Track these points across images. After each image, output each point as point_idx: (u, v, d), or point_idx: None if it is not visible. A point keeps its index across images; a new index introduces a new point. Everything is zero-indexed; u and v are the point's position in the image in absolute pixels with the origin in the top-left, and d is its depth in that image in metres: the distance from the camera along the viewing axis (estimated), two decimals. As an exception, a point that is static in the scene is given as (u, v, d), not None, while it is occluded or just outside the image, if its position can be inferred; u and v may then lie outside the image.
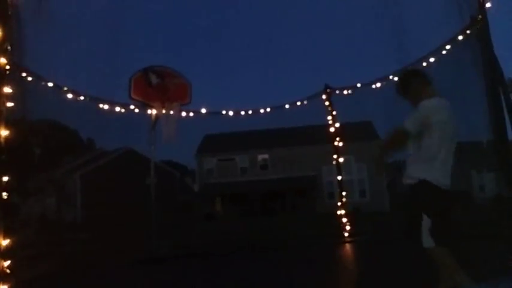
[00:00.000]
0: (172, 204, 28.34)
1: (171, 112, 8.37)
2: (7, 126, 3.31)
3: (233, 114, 8.96)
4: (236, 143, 32.39)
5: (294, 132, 28.42)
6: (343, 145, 9.01)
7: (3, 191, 3.25)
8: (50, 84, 6.20)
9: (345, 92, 8.67)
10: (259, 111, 9.06)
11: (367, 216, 16.18)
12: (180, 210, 27.86)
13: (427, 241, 3.08)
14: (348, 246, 8.17)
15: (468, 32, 6.08)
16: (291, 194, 32.22)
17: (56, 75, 6.43)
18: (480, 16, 5.52)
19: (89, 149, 35.34)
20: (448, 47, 6.70)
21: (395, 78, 7.99)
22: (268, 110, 9.04)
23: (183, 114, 8.69)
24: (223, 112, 8.93)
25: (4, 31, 3.37)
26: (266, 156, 34.56)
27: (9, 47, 3.46)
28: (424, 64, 7.08)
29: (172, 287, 5.71)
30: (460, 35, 6.37)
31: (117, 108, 7.88)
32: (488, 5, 5.43)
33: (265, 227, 16.12)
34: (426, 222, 3.09)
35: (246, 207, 31.06)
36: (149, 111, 8.42)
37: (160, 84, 8.30)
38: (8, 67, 3.50)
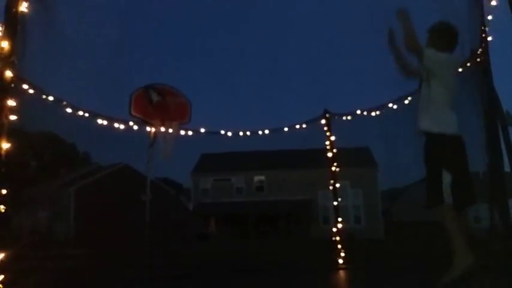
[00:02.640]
0: (166, 222, 28.11)
1: (170, 130, 8.40)
2: (8, 140, 3.32)
3: (231, 135, 8.98)
4: (233, 163, 32.39)
5: (291, 155, 28.48)
6: (339, 170, 9.01)
7: (1, 204, 3.23)
8: (51, 98, 6.22)
9: (344, 118, 8.72)
10: (257, 132, 9.07)
11: (361, 243, 16.08)
12: (173, 228, 27.64)
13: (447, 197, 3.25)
14: (341, 273, 8.10)
15: (468, 64, 6.16)
16: (285, 217, 32.08)
17: (57, 89, 6.46)
18: (481, 49, 5.60)
19: (84, 163, 35.25)
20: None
21: (395, 106, 8.07)
22: (266, 132, 9.05)
23: (182, 132, 8.70)
24: (222, 132, 8.95)
25: (11, 44, 3.41)
26: (262, 177, 34.51)
27: (15, 60, 3.50)
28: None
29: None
30: (460, 67, 6.46)
31: (116, 125, 7.89)
32: (489, 38, 5.52)
33: (259, 249, 15.99)
34: (446, 177, 3.23)
35: (240, 228, 30.85)
36: (148, 129, 8.44)
37: (160, 102, 8.34)
38: (13, 80, 3.54)
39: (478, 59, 5.92)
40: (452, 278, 3.28)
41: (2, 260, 3.16)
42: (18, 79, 3.94)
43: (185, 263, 10.65)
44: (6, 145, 3.31)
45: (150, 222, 8.56)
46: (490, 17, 5.75)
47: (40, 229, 22.83)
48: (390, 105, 8.13)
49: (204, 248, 19.31)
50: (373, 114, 8.43)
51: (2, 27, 3.57)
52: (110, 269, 8.63)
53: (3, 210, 3.24)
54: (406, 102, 7.69)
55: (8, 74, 3.44)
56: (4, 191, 3.29)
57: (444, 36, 3.63)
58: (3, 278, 3.28)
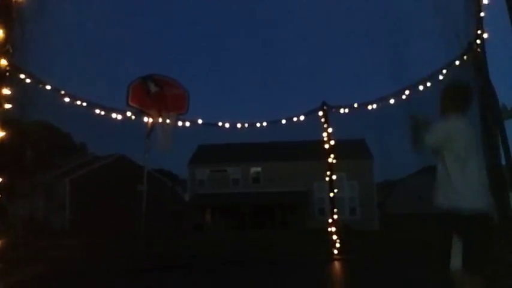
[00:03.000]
0: (163, 213, 28.15)
1: (168, 121, 8.37)
2: (3, 128, 3.29)
3: (229, 127, 8.96)
4: (229, 154, 32.38)
5: (288, 147, 28.49)
6: (335, 162, 9.03)
7: (-4, 192, 3.22)
8: (48, 87, 6.18)
9: (342, 110, 8.72)
10: (255, 124, 9.06)
11: (356, 234, 16.16)
12: (170, 219, 27.66)
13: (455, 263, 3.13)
14: (337, 263, 8.16)
15: (465, 57, 6.17)
16: (281, 209, 32.17)
17: (55, 78, 6.42)
18: (476, 43, 5.60)
19: (80, 153, 35.11)
20: (444, 71, 6.78)
21: (391, 101, 8.07)
22: (264, 124, 9.05)
23: (179, 123, 8.68)
24: (220, 124, 8.93)
25: (6, 33, 3.37)
26: (259, 169, 34.53)
27: (10, 49, 3.47)
28: (421, 88, 7.17)
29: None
30: (456, 60, 6.46)
31: (114, 115, 7.86)
32: (485, 35, 5.51)
33: (255, 240, 16.05)
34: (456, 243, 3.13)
35: (236, 219, 30.93)
36: (145, 119, 8.41)
37: (158, 93, 8.31)
38: (7, 69, 3.50)
39: (474, 53, 5.92)
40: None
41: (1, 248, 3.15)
42: (14, 68, 3.90)
43: (181, 253, 10.67)
44: (0, 133, 3.28)
45: (146, 212, 8.58)
46: (482, 14, 5.75)
47: (36, 219, 22.77)
48: (387, 99, 8.13)
49: (200, 238, 19.37)
50: (369, 107, 8.44)
51: (-4, 16, 3.53)
52: (105, 259, 8.64)
53: (-1, 198, 3.23)
54: (403, 97, 7.70)
55: (3, 62, 3.40)
56: (0, 179, 3.27)
57: (458, 98, 3.54)
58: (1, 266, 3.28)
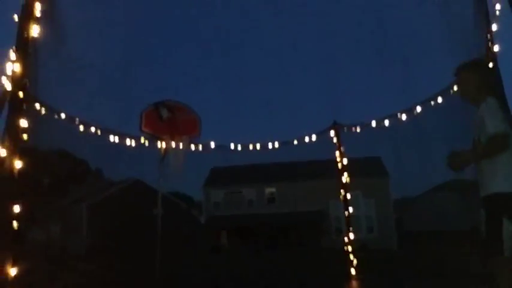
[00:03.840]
0: (178, 236, 28.18)
1: (181, 145, 8.49)
2: (21, 158, 3.41)
3: (241, 149, 9.02)
4: (243, 176, 32.42)
5: (302, 166, 28.43)
6: (351, 180, 9.00)
7: (14, 220, 3.31)
8: (63, 116, 6.34)
9: (353, 129, 8.72)
10: (267, 146, 9.10)
11: (374, 253, 15.97)
12: (185, 242, 27.64)
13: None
14: (354, 283, 8.06)
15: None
16: (297, 229, 31.94)
17: (69, 108, 6.60)
18: (487, 59, 5.59)
19: (96, 178, 35.48)
20: (455, 87, 6.76)
21: (404, 116, 8.06)
22: (276, 145, 9.08)
23: (192, 147, 8.78)
24: (232, 147, 8.99)
25: (23, 67, 3.51)
26: (273, 189, 34.47)
27: (27, 83, 3.61)
28: (432, 103, 7.16)
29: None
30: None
31: (128, 141, 7.99)
32: (496, 48, 5.50)
33: (272, 262, 15.95)
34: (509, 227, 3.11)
35: (252, 241, 30.77)
36: (159, 144, 8.54)
37: (170, 118, 8.44)
38: (24, 101, 3.64)
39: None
40: None
41: (15, 276, 3.23)
42: (30, 99, 4.04)
43: (198, 277, 10.65)
44: (18, 164, 3.39)
45: (162, 236, 8.62)
46: (493, 28, 5.75)
47: (53, 244, 22.97)
48: (398, 115, 8.12)
49: (217, 261, 19.29)
50: (381, 124, 8.42)
51: (14, 51, 3.68)
52: (122, 284, 8.67)
53: (16, 227, 3.32)
54: (415, 112, 7.68)
55: (20, 95, 3.54)
56: (17, 208, 3.37)
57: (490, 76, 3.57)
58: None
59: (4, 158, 3.32)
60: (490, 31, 5.77)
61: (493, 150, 3.23)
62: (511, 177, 3.21)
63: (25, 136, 3.50)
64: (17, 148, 3.40)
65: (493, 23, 5.75)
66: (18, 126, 3.44)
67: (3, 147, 3.36)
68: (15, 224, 3.30)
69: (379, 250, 20.39)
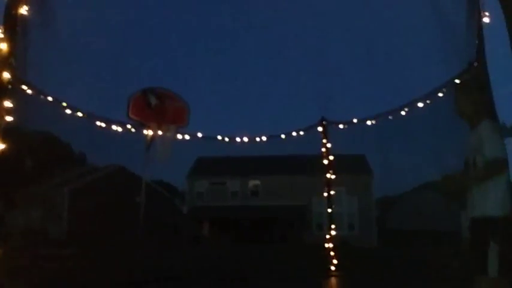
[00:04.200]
0: (160, 225, 28.09)
1: (167, 134, 8.41)
2: (3, 140, 3.33)
3: (228, 141, 9.01)
4: (228, 167, 32.36)
5: (287, 161, 28.46)
6: (335, 177, 9.05)
7: (-5, 204, 3.24)
8: (50, 99, 6.24)
9: (341, 126, 8.77)
10: (254, 139, 9.10)
11: (355, 250, 16.09)
12: (167, 231, 27.55)
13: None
14: (333, 280, 8.12)
15: (465, 76, 6.19)
16: (279, 222, 32.04)
17: (56, 89, 6.48)
18: (477, 62, 5.64)
19: (79, 163, 35.06)
20: (444, 90, 6.83)
21: (390, 117, 8.12)
22: (264, 138, 9.09)
23: (179, 136, 8.72)
24: (219, 138, 8.97)
25: (10, 46, 3.42)
26: (258, 182, 34.52)
27: (13, 62, 3.51)
28: (421, 105, 7.22)
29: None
30: (456, 78, 6.50)
31: (114, 127, 7.90)
32: (485, 51, 5.54)
33: (253, 254, 15.98)
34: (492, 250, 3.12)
35: (234, 232, 30.81)
36: (145, 132, 8.45)
37: (158, 105, 8.36)
38: (10, 82, 3.55)
39: (474, 71, 5.94)
40: None
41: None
42: (16, 80, 3.95)
43: (177, 266, 10.62)
44: (1, 146, 3.31)
45: (144, 224, 8.57)
46: (483, 32, 5.77)
47: (33, 229, 22.66)
48: (386, 115, 8.19)
49: (197, 252, 19.27)
50: (368, 123, 8.48)
51: (1, 29, 3.58)
52: (102, 271, 8.60)
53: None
54: (403, 113, 7.75)
55: (6, 75, 3.45)
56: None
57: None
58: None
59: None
60: (481, 36, 5.82)
61: (491, 175, 3.25)
62: (502, 201, 3.23)
63: (9, 118, 3.43)
64: (0, 129, 3.32)
65: (483, 28, 5.80)
66: (2, 107, 3.35)
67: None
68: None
69: (360, 248, 20.56)
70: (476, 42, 5.46)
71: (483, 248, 3.18)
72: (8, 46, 3.41)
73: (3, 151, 3.28)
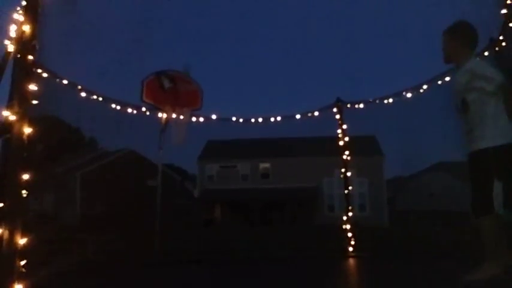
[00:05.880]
0: (172, 208, 28.30)
1: (181, 117, 8.38)
2: (30, 124, 3.30)
3: (243, 122, 8.94)
4: (238, 150, 32.42)
5: (297, 143, 28.45)
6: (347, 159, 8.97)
7: (23, 189, 3.23)
8: (65, 82, 6.19)
9: (357, 106, 8.65)
10: (269, 119, 9.01)
11: (366, 231, 16.09)
12: (179, 214, 27.76)
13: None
14: (351, 261, 8.12)
15: (486, 53, 6.04)
16: (290, 204, 32.17)
17: (72, 73, 6.43)
18: (501, 37, 5.48)
19: (90, 148, 35.26)
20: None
21: (408, 95, 7.98)
22: (278, 118, 8.99)
23: (193, 119, 8.68)
24: (234, 119, 8.90)
25: (33, 28, 3.36)
26: (268, 165, 34.57)
27: (37, 45, 3.46)
28: (440, 82, 7.08)
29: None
30: (477, 56, 6.35)
31: (129, 110, 7.87)
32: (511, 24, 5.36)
33: (265, 236, 16.04)
34: (497, 186, 3.13)
35: (245, 215, 31.00)
36: (159, 115, 8.43)
37: (172, 88, 8.31)
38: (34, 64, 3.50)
39: (497, 48, 5.79)
40: (475, 279, 3.27)
41: (24, 245, 3.16)
42: (37, 63, 3.90)
43: (190, 249, 10.68)
44: (28, 130, 3.28)
45: (157, 208, 8.60)
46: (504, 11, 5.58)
47: (47, 214, 22.92)
48: (404, 93, 8.04)
49: (209, 235, 19.40)
50: (385, 102, 8.34)
51: (22, 10, 3.52)
52: (118, 254, 8.67)
53: (25, 195, 3.23)
54: (421, 91, 7.61)
55: (30, 58, 3.40)
56: (27, 176, 3.28)
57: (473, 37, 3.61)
58: (26, 263, 3.29)
59: (13, 122, 3.20)
60: (508, 5, 5.59)
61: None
62: (502, 130, 3.23)
63: (35, 101, 3.39)
64: (26, 113, 3.29)
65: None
66: (27, 90, 3.31)
67: (12, 112, 3.23)
68: (24, 192, 3.21)
69: (371, 228, 20.58)
70: (503, 13, 5.25)
71: (484, 185, 3.17)
72: (30, 28, 3.35)
73: (32, 136, 3.26)
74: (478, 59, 3.51)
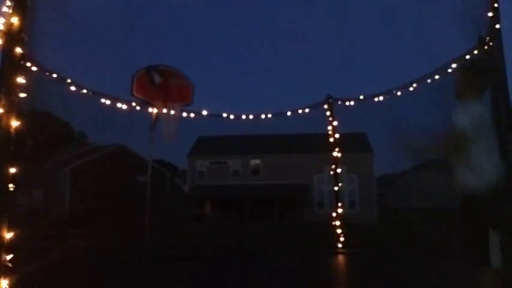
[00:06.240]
0: (162, 204, 28.21)
1: (172, 112, 8.33)
2: (18, 118, 3.26)
3: (234, 118, 8.93)
4: (229, 146, 32.33)
5: (288, 140, 28.47)
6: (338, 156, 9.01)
7: (10, 183, 3.19)
8: (54, 76, 6.13)
9: (347, 103, 8.68)
10: (260, 116, 9.03)
11: (356, 228, 16.17)
12: (169, 210, 27.68)
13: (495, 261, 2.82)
14: (341, 257, 8.17)
15: (475, 52, 6.08)
16: (280, 201, 32.20)
17: (62, 67, 6.37)
18: (488, 38, 5.53)
19: (80, 142, 34.98)
20: (453, 65, 6.72)
21: (398, 93, 8.03)
22: (269, 116, 9.01)
23: (184, 114, 8.64)
24: (224, 115, 8.89)
25: (21, 20, 3.32)
26: (258, 161, 34.55)
27: (25, 37, 3.42)
28: (429, 81, 7.13)
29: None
30: (466, 54, 6.39)
31: (119, 105, 7.81)
32: (497, 26, 5.41)
33: (255, 232, 16.07)
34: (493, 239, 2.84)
35: (235, 211, 30.98)
36: (150, 110, 8.37)
37: (163, 83, 8.24)
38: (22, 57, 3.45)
39: (486, 47, 5.83)
40: None
41: (11, 239, 3.13)
42: (25, 56, 3.85)
43: (180, 245, 10.66)
44: (15, 123, 3.24)
45: (149, 203, 8.55)
46: (496, 5, 5.62)
47: (36, 209, 22.68)
48: (393, 91, 8.09)
49: (199, 231, 19.37)
50: (376, 99, 8.39)
51: (11, 2, 3.47)
52: (108, 250, 8.62)
53: (12, 189, 3.20)
54: (411, 89, 7.66)
55: (18, 50, 3.35)
56: (14, 170, 3.24)
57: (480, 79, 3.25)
58: (12, 257, 3.25)
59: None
60: (495, 10, 5.66)
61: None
62: (490, 176, 2.91)
63: (22, 94, 3.35)
64: (14, 106, 3.24)
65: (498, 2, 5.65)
66: (15, 83, 3.27)
67: (-1, 105, 3.19)
68: (11, 186, 3.17)
69: (360, 225, 20.69)
70: (491, 15, 5.31)
71: (480, 237, 2.85)
72: (19, 20, 3.30)
73: (19, 130, 3.22)
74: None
